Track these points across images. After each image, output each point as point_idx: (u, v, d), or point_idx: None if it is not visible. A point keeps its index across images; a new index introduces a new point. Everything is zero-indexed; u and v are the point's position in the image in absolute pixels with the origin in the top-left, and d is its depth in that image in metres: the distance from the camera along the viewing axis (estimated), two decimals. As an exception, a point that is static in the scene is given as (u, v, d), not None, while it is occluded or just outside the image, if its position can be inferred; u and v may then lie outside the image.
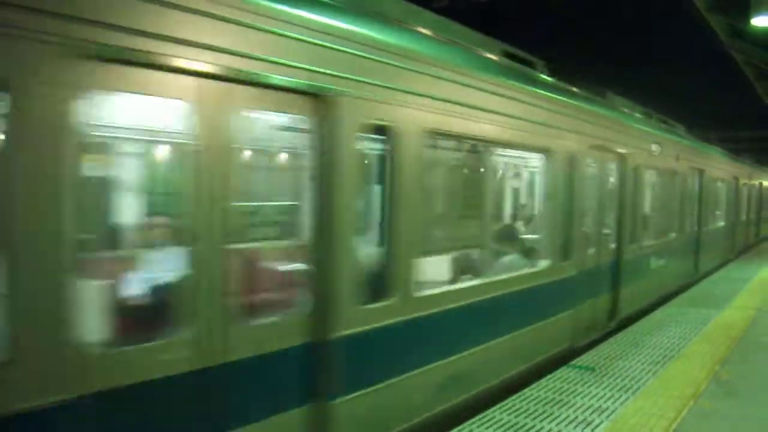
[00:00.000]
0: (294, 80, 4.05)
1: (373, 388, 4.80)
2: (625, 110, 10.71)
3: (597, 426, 5.35)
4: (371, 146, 5.15)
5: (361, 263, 4.78)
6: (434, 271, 6.39)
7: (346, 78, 4.43)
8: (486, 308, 6.15)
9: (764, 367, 7.25)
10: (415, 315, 5.19)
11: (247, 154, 5.01)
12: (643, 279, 10.89)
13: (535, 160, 8.19)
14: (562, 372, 6.90)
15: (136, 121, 4.49)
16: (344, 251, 4.48)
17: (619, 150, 9.49)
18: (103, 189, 5.29)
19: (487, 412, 5.64)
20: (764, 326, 9.35)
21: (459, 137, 6.27)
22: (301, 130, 4.47)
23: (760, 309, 10.65)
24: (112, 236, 5.42)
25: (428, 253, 6.31)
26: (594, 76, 9.67)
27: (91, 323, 3.43)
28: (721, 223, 18.21)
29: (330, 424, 4.40)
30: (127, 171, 5.62)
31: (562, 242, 7.78)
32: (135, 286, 4.61)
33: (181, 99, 3.54)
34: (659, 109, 13.14)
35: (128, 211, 5.61)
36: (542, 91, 7.39)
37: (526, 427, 5.31)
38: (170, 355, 3.52)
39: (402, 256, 5.07)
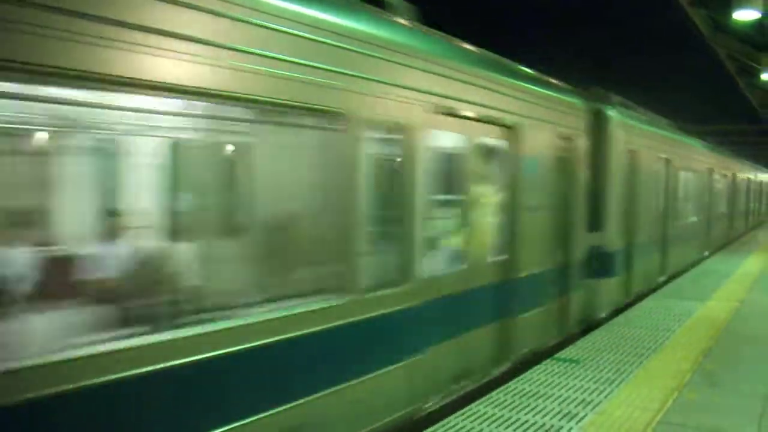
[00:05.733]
0: (510, 119, 6.81)
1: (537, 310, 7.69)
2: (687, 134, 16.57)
3: (582, 418, 5.31)
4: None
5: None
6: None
7: (524, 116, 7.09)
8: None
9: (747, 358, 7.26)
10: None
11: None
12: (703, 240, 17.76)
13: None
14: (547, 365, 6.86)
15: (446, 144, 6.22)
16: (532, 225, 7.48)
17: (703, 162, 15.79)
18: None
19: (471, 406, 5.59)
20: (747, 318, 9.40)
21: None
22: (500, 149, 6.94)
23: (743, 300, 10.71)
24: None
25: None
26: (578, 69, 9.65)
27: None
28: (742, 208, 25.24)
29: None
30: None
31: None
32: None
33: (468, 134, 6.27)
34: (641, 102, 13.16)
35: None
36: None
37: (511, 420, 5.26)
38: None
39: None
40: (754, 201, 30.31)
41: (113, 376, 3.18)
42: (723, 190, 21.19)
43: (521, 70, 7.67)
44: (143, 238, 4.59)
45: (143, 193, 4.87)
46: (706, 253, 17.93)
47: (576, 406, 5.60)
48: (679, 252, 14.89)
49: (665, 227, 13.55)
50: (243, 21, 3.79)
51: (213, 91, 3.65)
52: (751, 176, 28.79)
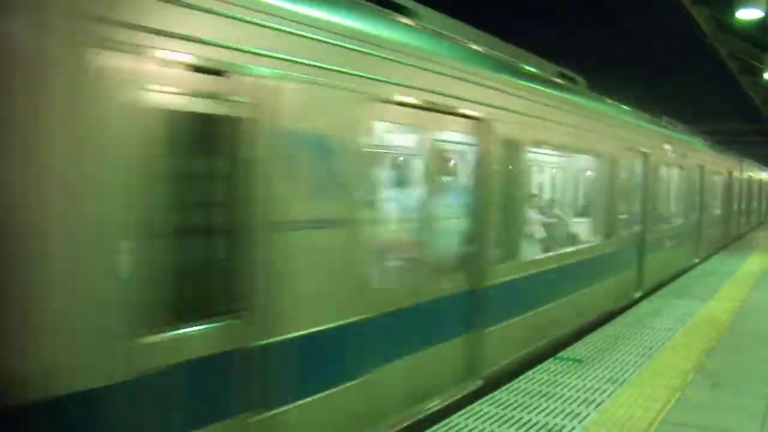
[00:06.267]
0: None
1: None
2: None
3: (585, 417, 5.32)
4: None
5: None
6: None
7: None
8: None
9: (750, 357, 7.27)
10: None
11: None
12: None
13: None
14: (550, 364, 6.86)
15: None
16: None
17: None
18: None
19: (473, 405, 5.59)
20: (749, 317, 9.40)
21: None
22: None
23: (745, 300, 10.71)
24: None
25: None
26: (579, 68, 9.66)
27: None
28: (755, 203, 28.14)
29: None
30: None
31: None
32: None
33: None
34: (643, 102, 13.15)
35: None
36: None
37: (514, 419, 5.27)
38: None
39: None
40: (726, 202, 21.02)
41: None
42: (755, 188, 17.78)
43: None
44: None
45: None
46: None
47: (579, 405, 5.60)
48: None
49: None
50: None
51: None
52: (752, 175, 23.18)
